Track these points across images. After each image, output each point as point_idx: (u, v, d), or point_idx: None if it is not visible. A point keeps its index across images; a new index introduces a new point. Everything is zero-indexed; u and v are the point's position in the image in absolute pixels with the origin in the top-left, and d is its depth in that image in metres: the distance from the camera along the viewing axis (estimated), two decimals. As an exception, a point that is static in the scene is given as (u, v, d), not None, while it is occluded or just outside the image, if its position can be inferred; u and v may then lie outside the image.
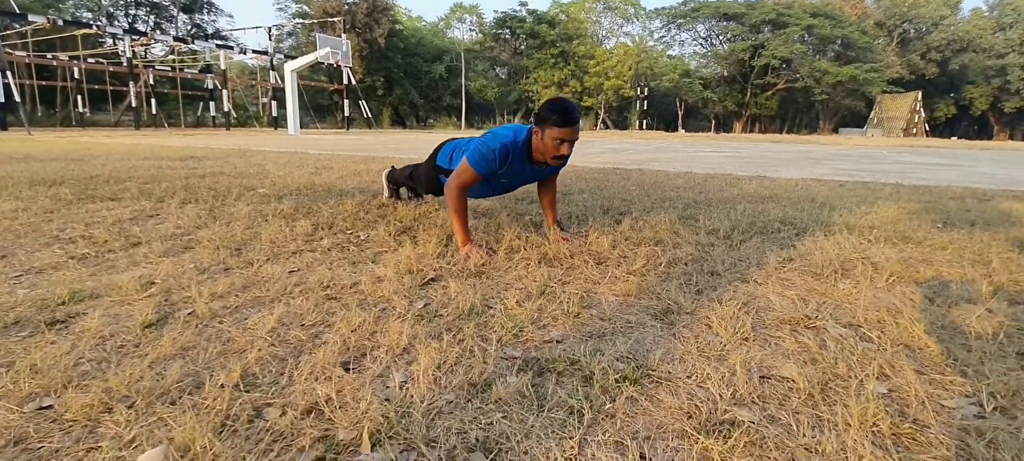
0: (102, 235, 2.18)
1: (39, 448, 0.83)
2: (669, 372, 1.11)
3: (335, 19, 29.35)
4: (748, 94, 42.15)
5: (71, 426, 0.88)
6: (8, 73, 17.23)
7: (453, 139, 2.52)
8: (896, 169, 6.68)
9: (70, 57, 24.08)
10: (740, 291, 1.63)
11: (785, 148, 13.14)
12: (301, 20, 34.68)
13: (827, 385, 1.06)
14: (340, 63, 23.25)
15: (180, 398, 0.97)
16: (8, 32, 22.51)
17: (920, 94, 34.53)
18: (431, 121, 42.21)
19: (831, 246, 2.13)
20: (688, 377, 1.09)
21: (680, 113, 44.15)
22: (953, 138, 35.88)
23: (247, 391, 0.99)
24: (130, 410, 0.92)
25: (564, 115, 1.88)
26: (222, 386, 1.00)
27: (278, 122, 25.42)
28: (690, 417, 0.94)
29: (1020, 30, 37.68)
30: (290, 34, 37.54)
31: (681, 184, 4.31)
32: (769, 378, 1.09)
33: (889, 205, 3.28)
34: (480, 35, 44.54)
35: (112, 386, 0.98)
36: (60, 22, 21.22)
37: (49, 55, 24.22)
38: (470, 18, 46.14)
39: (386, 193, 3.19)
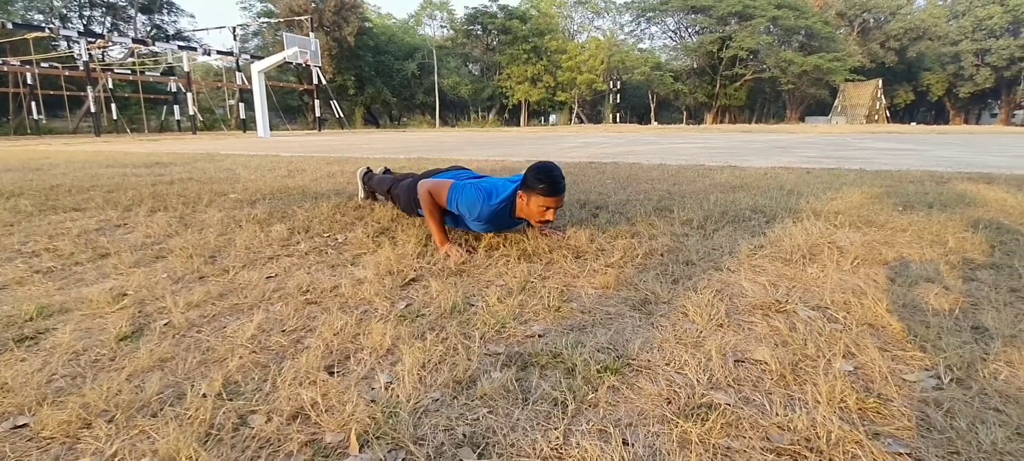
0: (68, 247, 2.12)
1: (16, 468, 0.81)
2: (648, 360, 1.14)
3: (302, 18, 28.71)
4: (718, 85, 42.90)
5: (49, 444, 0.86)
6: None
7: (451, 168, 2.46)
8: (860, 155, 6.91)
9: (22, 62, 23.01)
10: (714, 279, 1.68)
11: (754, 137, 13.45)
12: (267, 19, 33.83)
13: (797, 366, 1.11)
14: (309, 63, 22.82)
15: (161, 410, 0.95)
16: (-46, 37, 21.46)
17: (880, 82, 35.75)
18: (405, 120, 41.76)
19: (799, 232, 2.21)
20: (666, 364, 1.12)
21: (652, 106, 44.68)
22: (912, 124, 37.28)
23: (230, 399, 0.98)
24: (110, 424, 0.91)
25: (551, 186, 1.88)
26: (204, 396, 0.99)
27: (247, 124, 24.82)
28: (669, 402, 0.98)
29: (972, 18, 39.28)
30: (256, 34, 36.57)
31: (655, 176, 4.38)
32: (743, 362, 1.13)
33: (853, 190, 3.40)
34: (452, 31, 44.20)
35: (89, 401, 0.96)
36: (9, 25, 20.29)
37: (-1, 60, 23.11)
38: (441, 14, 45.80)
39: (361, 194, 3.16)
